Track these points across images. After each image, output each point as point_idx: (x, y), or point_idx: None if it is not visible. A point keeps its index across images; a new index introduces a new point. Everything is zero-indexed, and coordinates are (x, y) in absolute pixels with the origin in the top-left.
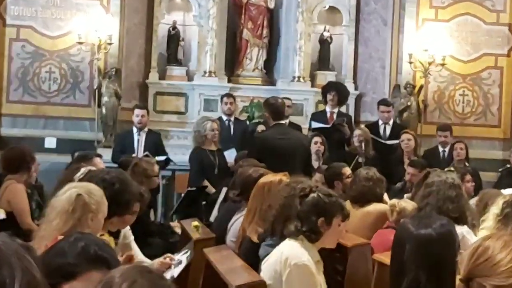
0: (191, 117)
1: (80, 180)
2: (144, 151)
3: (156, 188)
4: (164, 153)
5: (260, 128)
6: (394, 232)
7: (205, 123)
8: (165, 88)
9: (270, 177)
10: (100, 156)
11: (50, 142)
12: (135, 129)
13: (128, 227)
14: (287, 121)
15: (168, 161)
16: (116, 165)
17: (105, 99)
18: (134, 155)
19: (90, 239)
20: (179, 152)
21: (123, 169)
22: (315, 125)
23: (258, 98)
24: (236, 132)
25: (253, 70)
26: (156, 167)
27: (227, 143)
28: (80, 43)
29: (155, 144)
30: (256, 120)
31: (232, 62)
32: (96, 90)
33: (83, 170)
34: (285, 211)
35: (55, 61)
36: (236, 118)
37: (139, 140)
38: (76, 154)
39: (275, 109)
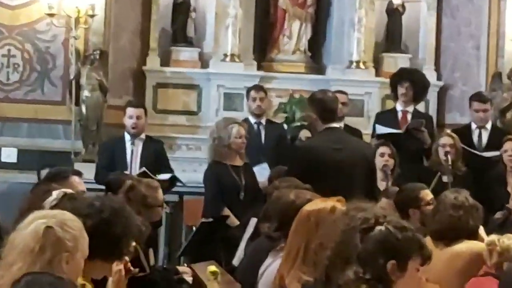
0: (206, 119)
1: (53, 207)
2: (141, 166)
3: (158, 220)
4: (168, 169)
5: (304, 134)
6: (496, 281)
7: (229, 127)
8: (170, 78)
9: (319, 204)
10: (79, 173)
11: (9, 155)
12: (127, 136)
13: None
14: (341, 124)
15: (174, 180)
16: (102, 187)
17: (85, 93)
18: (126, 172)
19: (42, 280)
20: (190, 168)
21: (112, 192)
22: (382, 130)
23: (300, 92)
24: (269, 140)
25: (293, 53)
26: (161, 193)
27: (256, 156)
28: (51, 15)
29: (156, 157)
30: (298, 123)
31: (263, 42)
32: (73, 81)
33: (56, 194)
34: (344, 252)
35: (16, 41)
36: (269, 120)
37: (133, 151)
38: (45, 171)
39: (324, 107)
